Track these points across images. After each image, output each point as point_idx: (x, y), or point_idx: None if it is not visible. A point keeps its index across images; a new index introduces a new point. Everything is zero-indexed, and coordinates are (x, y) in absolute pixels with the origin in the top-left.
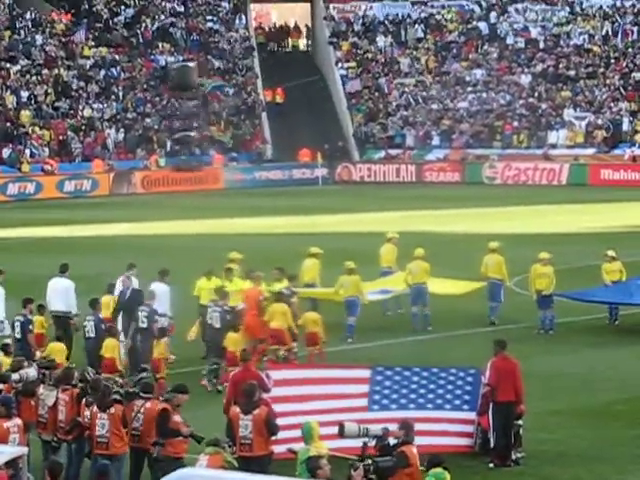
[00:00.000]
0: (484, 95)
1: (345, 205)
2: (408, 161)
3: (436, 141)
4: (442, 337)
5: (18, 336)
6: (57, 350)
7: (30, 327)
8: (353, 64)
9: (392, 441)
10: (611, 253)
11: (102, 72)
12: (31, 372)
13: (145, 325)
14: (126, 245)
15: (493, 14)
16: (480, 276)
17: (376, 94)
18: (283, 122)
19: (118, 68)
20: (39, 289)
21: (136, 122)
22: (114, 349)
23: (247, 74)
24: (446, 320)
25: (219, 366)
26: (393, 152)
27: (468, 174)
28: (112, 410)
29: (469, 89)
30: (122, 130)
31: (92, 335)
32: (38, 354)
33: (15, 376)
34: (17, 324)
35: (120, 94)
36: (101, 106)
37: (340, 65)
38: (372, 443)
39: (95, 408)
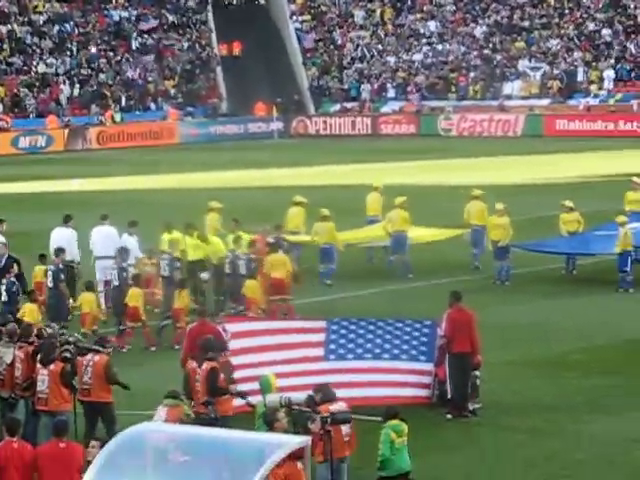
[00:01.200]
0: (439, 47)
1: (301, 158)
2: (364, 114)
3: (391, 93)
4: (423, 286)
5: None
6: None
7: (62, 276)
8: (308, 17)
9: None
10: (568, 203)
11: (56, 27)
12: None
13: (167, 273)
14: (81, 201)
15: None
16: (463, 223)
17: (331, 47)
18: (238, 76)
19: (72, 23)
20: None
21: (90, 78)
22: (138, 298)
23: (201, 28)
24: (427, 269)
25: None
26: (348, 105)
27: (424, 126)
28: (52, 366)
29: (424, 41)
30: (77, 86)
31: (116, 284)
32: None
33: None
34: (49, 273)
35: (74, 50)
36: (55, 62)
37: (295, 19)
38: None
39: (39, 364)
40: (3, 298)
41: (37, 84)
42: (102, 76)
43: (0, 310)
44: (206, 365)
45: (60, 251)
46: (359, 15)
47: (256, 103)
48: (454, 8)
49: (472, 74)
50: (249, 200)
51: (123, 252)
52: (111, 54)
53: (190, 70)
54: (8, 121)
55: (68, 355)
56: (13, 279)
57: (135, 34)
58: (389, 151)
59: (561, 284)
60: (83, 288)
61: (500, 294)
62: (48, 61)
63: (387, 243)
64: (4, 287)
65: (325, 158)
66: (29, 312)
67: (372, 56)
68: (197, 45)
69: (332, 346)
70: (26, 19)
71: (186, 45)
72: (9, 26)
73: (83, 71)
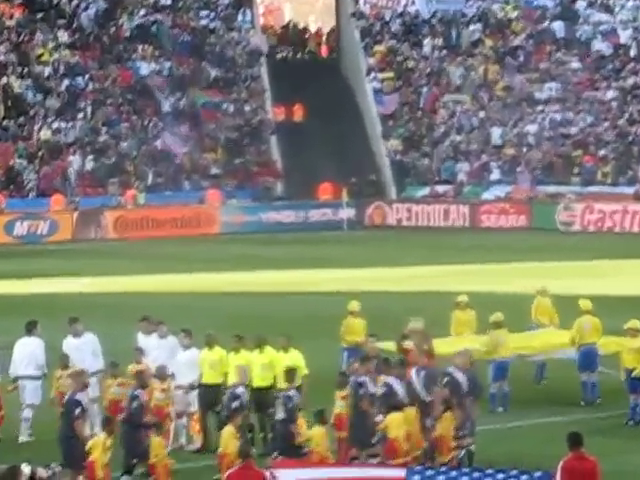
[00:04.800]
0: (558, 116)
1: (379, 256)
2: (460, 201)
3: (496, 175)
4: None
5: None
6: None
7: None
8: (390, 74)
9: None
10: None
11: (65, 82)
12: None
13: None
14: (91, 306)
15: (571, 12)
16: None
17: (419, 114)
18: (298, 149)
19: (86, 77)
20: None
21: (108, 148)
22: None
23: (252, 86)
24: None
25: None
26: (440, 189)
27: (537, 218)
28: None
29: (539, 108)
30: (90, 157)
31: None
32: None
33: None
34: None
35: (88, 110)
36: (63, 126)
37: (373, 76)
38: None
39: None
40: None
41: (39, 154)
42: (123, 145)
43: None
44: None
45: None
46: (455, 73)
47: (321, 184)
48: (579, 66)
49: (601, 152)
50: (308, 307)
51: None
52: (135, 118)
53: (237, 140)
54: (1, 201)
55: None
56: None
57: (167, 92)
58: (491, 249)
59: None
60: None
61: (633, 438)
62: (54, 125)
63: (572, 356)
64: None
65: (410, 256)
66: None
67: (472, 127)
68: (246, 108)
69: None
70: (27, 70)
71: (232, 108)
72: (5, 79)
73: (99, 139)
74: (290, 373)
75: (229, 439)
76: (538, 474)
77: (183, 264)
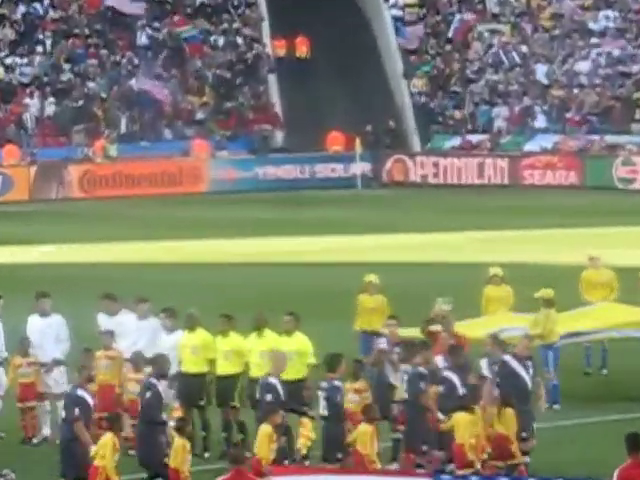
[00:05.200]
0: (616, 52)
1: (399, 220)
2: (498, 154)
3: (541, 122)
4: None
5: None
6: None
7: None
8: (413, 1)
9: None
10: None
11: (20, 9)
12: None
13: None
14: (52, 280)
15: None
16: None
17: (448, 48)
18: (302, 90)
19: (45, 3)
20: None
21: (73, 88)
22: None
23: (246, 14)
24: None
25: None
26: (474, 138)
27: (590, 174)
28: None
29: (593, 41)
30: (50, 100)
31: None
32: None
33: None
34: None
35: (48, 43)
36: (18, 62)
37: (393, 2)
38: None
39: None
40: None
41: None
42: (91, 85)
43: None
44: None
45: None
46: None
47: (329, 133)
48: None
49: None
50: (315, 281)
51: None
52: (105, 53)
53: (228, 80)
54: None
55: None
56: None
57: (143, 22)
58: (534, 211)
59: None
60: None
61: None
62: (7, 61)
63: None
64: None
65: (436, 220)
66: None
67: (512, 63)
68: (239, 41)
69: None
70: None
71: (222, 41)
72: None
73: (62, 77)
74: (334, 359)
75: (264, 441)
76: None
77: (163, 229)
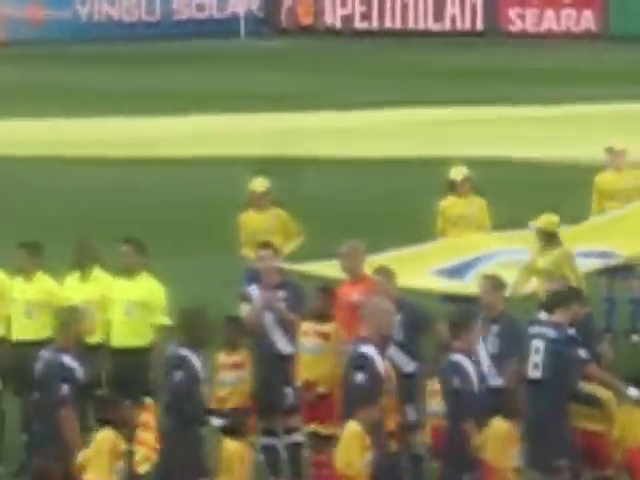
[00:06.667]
0: None
1: (304, 89)
2: None
3: None
4: None
5: None
6: None
7: None
8: None
9: None
10: None
11: None
12: None
13: None
14: None
15: None
16: None
17: None
18: None
19: None
20: None
21: None
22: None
23: None
24: None
25: None
26: None
27: (617, 16)
28: None
29: None
30: None
31: None
32: None
33: None
34: None
35: None
36: None
37: None
38: None
39: None
40: None
41: None
42: None
43: None
44: None
45: None
46: None
47: None
48: None
49: None
50: (164, 190)
51: None
52: None
53: None
54: None
55: None
56: None
57: None
58: (525, 76)
59: None
60: None
61: None
62: None
63: None
64: None
65: (365, 90)
66: None
67: None
68: None
69: None
70: None
71: None
72: None
73: None
74: (459, 325)
75: (354, 444)
76: None
77: None
